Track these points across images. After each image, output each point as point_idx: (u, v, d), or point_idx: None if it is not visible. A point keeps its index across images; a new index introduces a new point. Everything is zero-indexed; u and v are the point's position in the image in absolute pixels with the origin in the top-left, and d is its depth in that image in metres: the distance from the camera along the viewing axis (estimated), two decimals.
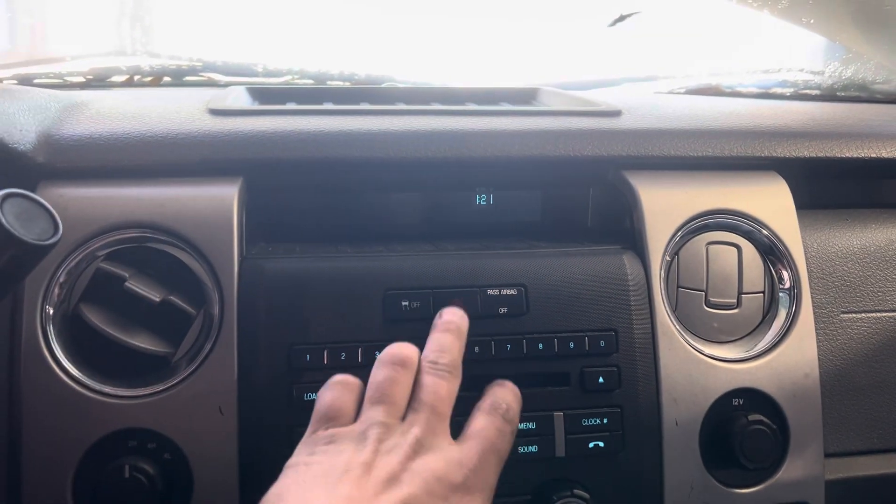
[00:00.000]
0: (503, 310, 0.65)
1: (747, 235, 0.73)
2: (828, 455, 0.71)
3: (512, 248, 0.71)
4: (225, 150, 0.69)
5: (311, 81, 1.12)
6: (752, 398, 0.69)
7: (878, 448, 0.74)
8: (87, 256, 0.63)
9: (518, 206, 0.81)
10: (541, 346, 0.65)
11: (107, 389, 0.61)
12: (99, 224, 0.63)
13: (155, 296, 0.62)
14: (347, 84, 1.12)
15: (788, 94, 1.14)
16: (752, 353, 0.70)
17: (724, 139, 0.76)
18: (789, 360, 0.70)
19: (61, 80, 1.02)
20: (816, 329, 0.71)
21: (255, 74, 1.11)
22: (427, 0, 1.29)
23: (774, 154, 0.76)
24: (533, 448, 0.64)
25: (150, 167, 0.68)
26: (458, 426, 0.56)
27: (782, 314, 0.71)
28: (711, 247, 0.72)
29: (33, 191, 0.62)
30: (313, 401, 0.61)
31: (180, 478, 0.61)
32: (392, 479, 0.49)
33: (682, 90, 1.15)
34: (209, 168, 0.68)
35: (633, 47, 1.21)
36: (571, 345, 0.66)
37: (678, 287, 0.70)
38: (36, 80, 1.01)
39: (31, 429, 0.60)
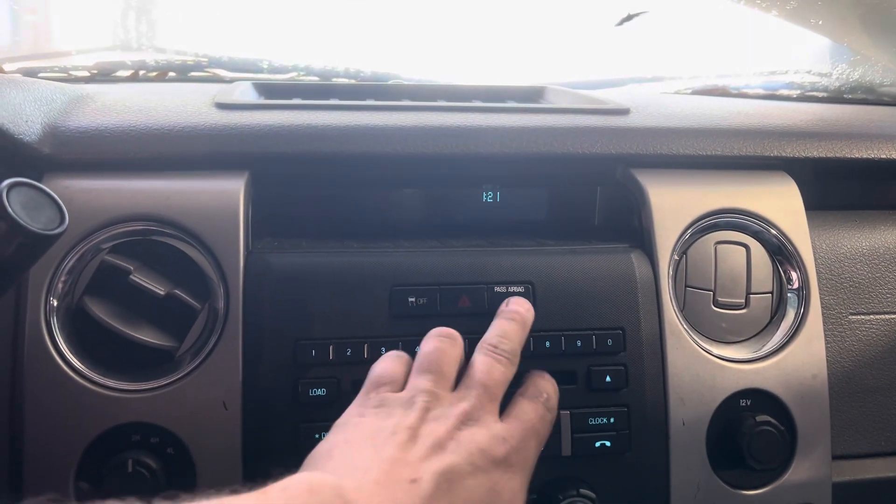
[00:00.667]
0: None
1: (756, 235, 0.72)
2: (835, 457, 0.70)
3: (519, 246, 0.71)
4: (231, 143, 0.68)
5: (316, 78, 1.11)
6: (759, 399, 0.68)
7: (885, 451, 0.73)
8: (91, 249, 0.63)
9: (525, 204, 0.80)
10: (548, 343, 0.65)
11: (110, 383, 0.60)
12: (104, 216, 0.63)
13: (160, 289, 0.61)
14: (353, 81, 1.11)
15: (795, 95, 1.13)
16: (759, 353, 0.69)
17: (733, 138, 0.76)
18: (797, 361, 0.69)
19: (66, 74, 1.02)
20: (825, 330, 0.71)
21: (261, 71, 1.11)
22: None
23: (783, 154, 0.76)
24: None
25: (156, 160, 0.67)
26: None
27: (791, 315, 0.71)
28: (720, 246, 0.71)
29: (39, 182, 0.61)
30: (318, 396, 0.61)
31: (183, 472, 0.60)
32: (437, 446, 0.49)
33: (689, 91, 1.15)
34: (215, 161, 0.68)
35: (639, 47, 1.20)
36: (578, 343, 0.65)
37: (686, 286, 0.70)
38: (41, 74, 1.00)
39: (34, 422, 0.59)
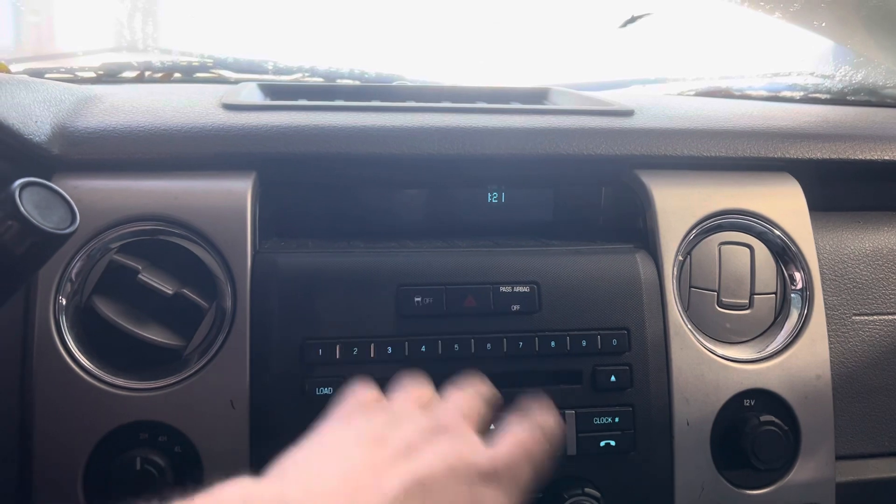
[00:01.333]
0: (516, 307, 0.65)
1: (760, 236, 0.73)
2: (839, 457, 0.70)
3: (524, 246, 0.71)
4: (239, 143, 0.69)
5: (321, 79, 1.12)
6: (763, 399, 0.68)
7: (889, 451, 0.74)
8: (100, 248, 0.63)
9: (530, 205, 0.81)
10: (553, 343, 0.65)
11: (119, 382, 0.61)
12: (113, 216, 0.63)
13: (168, 288, 0.62)
14: (357, 82, 1.12)
15: (798, 97, 1.13)
16: (763, 353, 0.69)
17: (737, 140, 0.76)
18: (801, 361, 0.69)
19: (72, 75, 1.02)
20: (828, 331, 0.71)
21: (266, 72, 1.11)
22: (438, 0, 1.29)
23: (787, 155, 0.76)
24: None
25: (165, 160, 0.68)
26: None
27: (794, 315, 0.71)
28: (724, 247, 0.72)
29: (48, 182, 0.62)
30: (325, 395, 0.62)
31: (191, 471, 0.60)
32: (410, 451, 0.45)
33: (692, 92, 1.15)
34: (223, 162, 0.68)
35: (643, 49, 1.21)
36: (584, 343, 0.66)
37: (690, 287, 0.70)
38: (47, 75, 1.01)
39: (44, 420, 0.60)
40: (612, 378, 0.66)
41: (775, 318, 0.71)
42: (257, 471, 0.60)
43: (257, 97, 0.87)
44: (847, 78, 1.13)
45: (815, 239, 0.73)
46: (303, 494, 0.41)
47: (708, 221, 0.72)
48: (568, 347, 0.65)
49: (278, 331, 0.63)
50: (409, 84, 1.09)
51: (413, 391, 0.53)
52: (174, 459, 0.60)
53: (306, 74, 1.12)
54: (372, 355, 0.63)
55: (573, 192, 0.81)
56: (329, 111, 0.75)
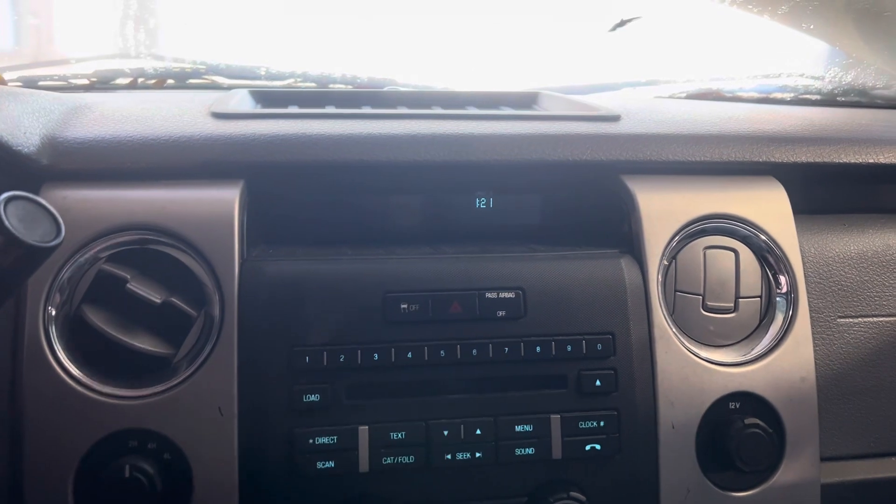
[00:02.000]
0: (501, 313, 0.66)
1: (745, 240, 0.73)
2: (824, 459, 0.71)
3: (510, 252, 0.72)
4: (226, 153, 0.69)
5: (313, 84, 1.12)
6: (748, 402, 0.69)
7: (873, 452, 0.74)
8: (89, 258, 0.64)
9: (517, 210, 0.81)
10: (538, 348, 0.66)
11: (108, 390, 0.61)
12: (101, 226, 0.64)
13: (156, 297, 0.63)
14: (349, 87, 1.13)
15: (789, 98, 1.14)
16: (748, 356, 0.70)
17: (722, 144, 0.77)
18: (786, 364, 0.70)
19: (65, 83, 1.03)
20: (813, 333, 0.72)
21: (258, 77, 1.12)
22: (428, 3, 1.30)
23: (772, 159, 0.77)
24: (530, 450, 0.64)
25: (153, 170, 0.68)
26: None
27: (779, 318, 0.72)
28: (709, 251, 0.72)
29: (37, 193, 0.63)
30: (313, 402, 0.62)
31: (180, 478, 0.61)
32: None
33: (683, 95, 1.16)
34: (211, 171, 0.69)
35: (633, 52, 1.21)
36: (569, 348, 0.66)
37: (675, 291, 0.71)
38: (40, 83, 1.02)
39: (33, 428, 0.60)
40: (598, 382, 0.66)
41: (760, 322, 0.72)
42: (244, 477, 0.61)
43: (247, 105, 0.87)
44: (837, 79, 1.13)
45: (799, 242, 0.73)
46: None
47: (693, 226, 0.72)
48: (553, 352, 0.66)
49: (266, 338, 0.63)
50: (401, 89, 1.10)
51: None
52: (163, 467, 0.61)
53: (299, 79, 1.12)
54: (359, 362, 0.63)
55: (560, 197, 0.82)
56: (317, 119, 0.75)
